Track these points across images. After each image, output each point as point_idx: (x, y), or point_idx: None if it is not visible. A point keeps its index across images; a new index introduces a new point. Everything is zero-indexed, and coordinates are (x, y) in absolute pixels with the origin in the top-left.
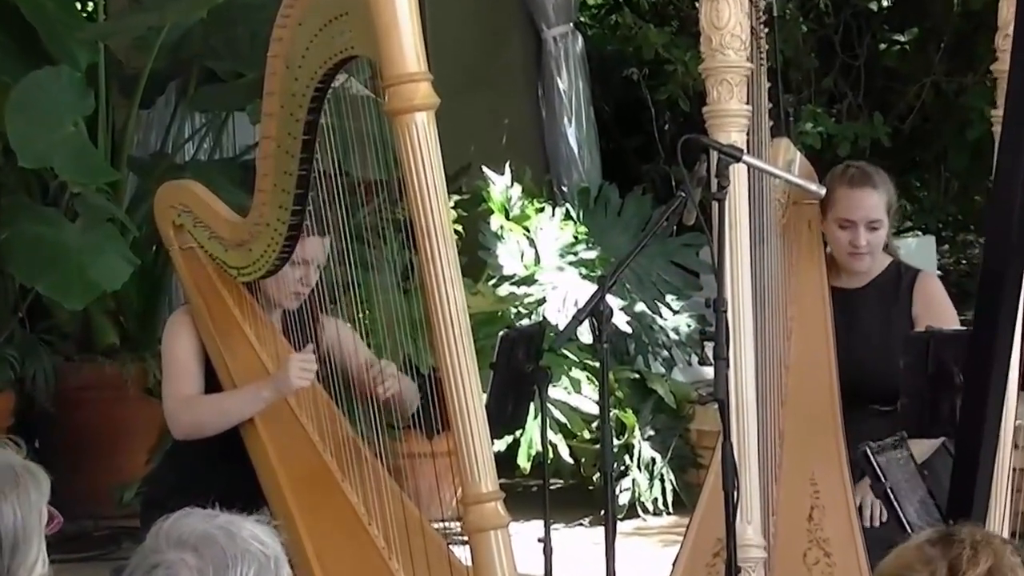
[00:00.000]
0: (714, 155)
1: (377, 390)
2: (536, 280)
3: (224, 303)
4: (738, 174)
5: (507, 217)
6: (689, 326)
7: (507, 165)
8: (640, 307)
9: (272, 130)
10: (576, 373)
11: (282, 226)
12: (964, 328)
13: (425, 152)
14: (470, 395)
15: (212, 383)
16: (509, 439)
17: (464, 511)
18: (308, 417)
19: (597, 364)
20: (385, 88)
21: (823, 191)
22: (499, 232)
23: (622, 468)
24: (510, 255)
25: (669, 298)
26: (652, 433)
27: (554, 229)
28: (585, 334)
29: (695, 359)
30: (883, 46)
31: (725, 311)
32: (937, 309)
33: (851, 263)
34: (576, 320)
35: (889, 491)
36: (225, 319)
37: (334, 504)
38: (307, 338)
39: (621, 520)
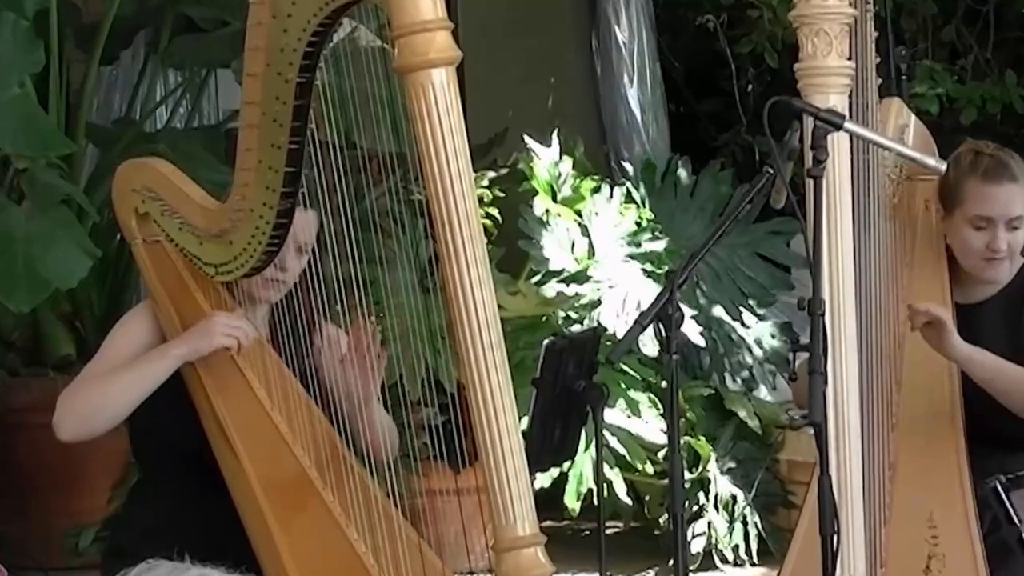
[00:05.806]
0: (809, 122)
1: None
2: (590, 277)
3: (198, 308)
4: (838, 145)
5: (554, 199)
6: (773, 336)
7: (554, 134)
8: (717, 310)
9: (256, 94)
10: (636, 393)
11: (269, 212)
12: None
13: (444, 118)
14: (503, 418)
15: (184, 405)
16: (555, 473)
17: (496, 560)
18: (304, 447)
19: (663, 381)
20: (394, 40)
21: (943, 166)
22: (544, 217)
23: (695, 508)
24: (558, 246)
25: (752, 300)
26: (732, 465)
27: (612, 214)
28: (649, 344)
29: (784, 375)
30: None
31: (822, 314)
32: None
33: (986, 270)
34: (639, 326)
35: None
36: None
37: (336, 554)
38: (300, 347)
39: (694, 572)
